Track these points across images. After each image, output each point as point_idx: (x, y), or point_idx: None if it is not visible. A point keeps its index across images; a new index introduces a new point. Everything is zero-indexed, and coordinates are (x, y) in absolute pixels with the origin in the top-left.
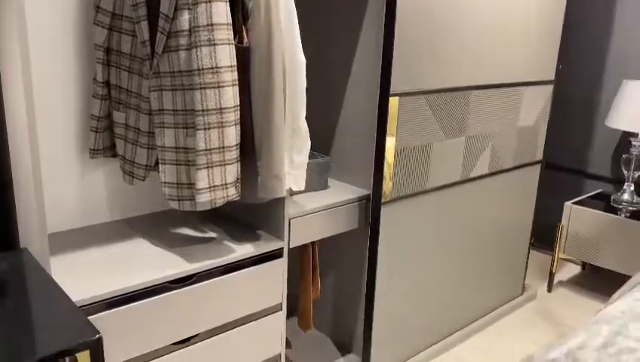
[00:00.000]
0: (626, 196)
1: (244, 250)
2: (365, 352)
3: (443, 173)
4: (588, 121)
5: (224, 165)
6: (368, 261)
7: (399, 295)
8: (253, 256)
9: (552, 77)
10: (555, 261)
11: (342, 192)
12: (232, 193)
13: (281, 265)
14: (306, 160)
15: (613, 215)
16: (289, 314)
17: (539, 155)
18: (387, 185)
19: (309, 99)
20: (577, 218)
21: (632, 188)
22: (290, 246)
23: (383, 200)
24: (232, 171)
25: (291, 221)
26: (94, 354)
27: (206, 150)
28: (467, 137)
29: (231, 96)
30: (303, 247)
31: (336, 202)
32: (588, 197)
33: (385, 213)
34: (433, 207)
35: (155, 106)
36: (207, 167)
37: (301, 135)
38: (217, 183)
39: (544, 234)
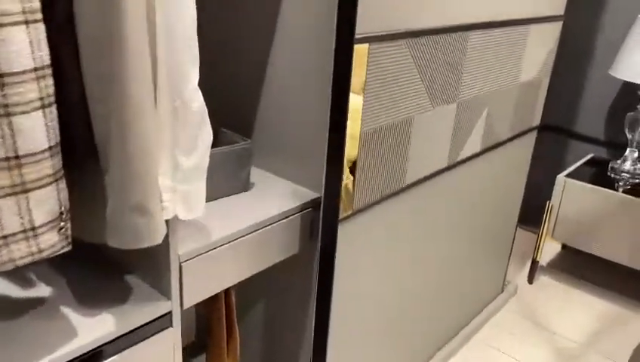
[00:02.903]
0: (627, 165)
1: (97, 328)
2: None
3: (425, 161)
4: (579, 71)
5: (25, 192)
6: (318, 296)
7: (360, 333)
8: (113, 340)
9: (562, 11)
10: (540, 247)
11: (273, 196)
12: (53, 242)
13: (169, 340)
14: (205, 161)
15: (626, 195)
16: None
17: (536, 119)
18: (348, 188)
19: (206, 49)
20: (572, 195)
21: (636, 155)
22: (187, 307)
23: (342, 215)
24: (48, 200)
25: (185, 265)
26: None
27: None
28: (459, 104)
29: (25, 45)
30: (212, 299)
31: (264, 220)
32: (580, 165)
33: (345, 229)
34: (408, 211)
35: None
36: None
37: (191, 118)
38: (14, 230)
39: (523, 209)
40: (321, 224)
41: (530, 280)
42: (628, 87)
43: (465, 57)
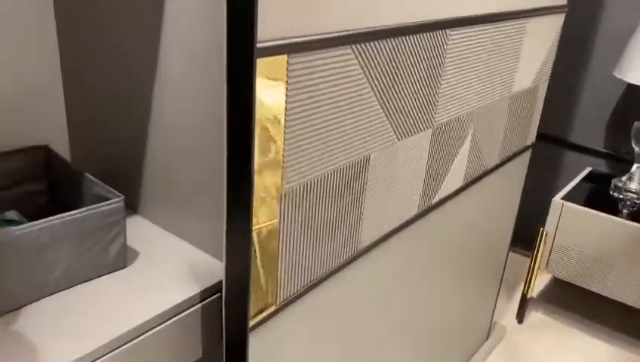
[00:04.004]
0: (634, 184)
1: None
2: None
3: (389, 212)
4: (575, 72)
5: None
6: None
7: None
8: None
9: (565, 0)
10: (532, 282)
11: (162, 276)
12: None
13: None
14: None
15: (637, 224)
16: None
17: (532, 136)
18: (264, 271)
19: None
20: (571, 221)
21: None
22: None
23: (254, 321)
24: None
25: None
26: None
27: None
28: (436, 129)
29: None
30: None
31: (142, 324)
32: (578, 183)
33: (261, 338)
34: (365, 281)
35: None
36: None
37: None
38: None
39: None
40: (224, 330)
41: (520, 319)
42: (633, 90)
43: (443, 65)
